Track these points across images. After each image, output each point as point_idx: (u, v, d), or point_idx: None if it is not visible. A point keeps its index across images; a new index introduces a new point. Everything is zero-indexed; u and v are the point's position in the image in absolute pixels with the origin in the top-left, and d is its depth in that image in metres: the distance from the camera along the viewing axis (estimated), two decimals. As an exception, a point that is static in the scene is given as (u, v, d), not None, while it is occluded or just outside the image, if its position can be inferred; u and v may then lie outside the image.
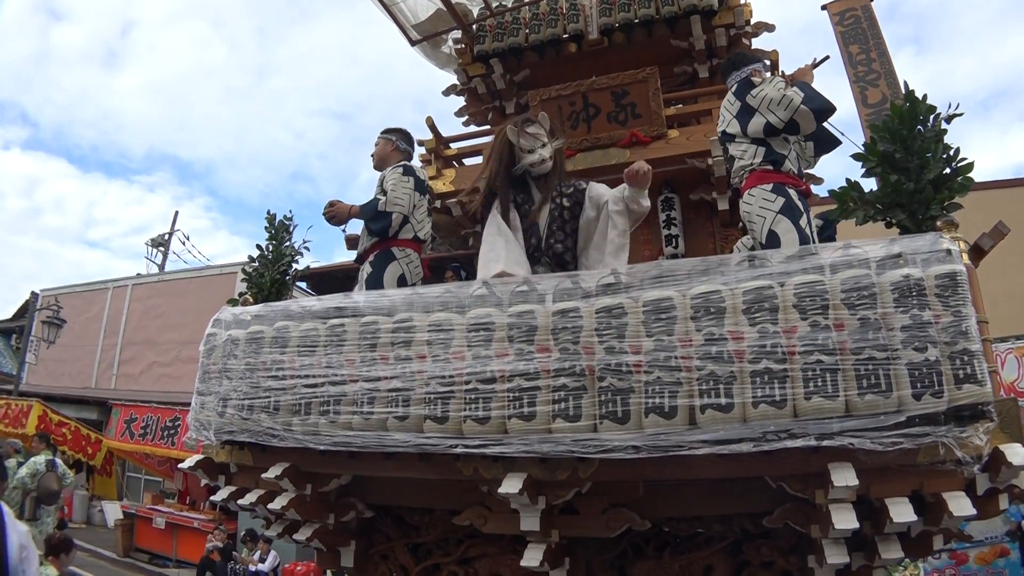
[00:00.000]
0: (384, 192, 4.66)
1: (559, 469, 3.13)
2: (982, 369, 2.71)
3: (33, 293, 20.66)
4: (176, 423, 13.81)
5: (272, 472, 3.58)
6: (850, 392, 2.71)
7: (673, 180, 5.67)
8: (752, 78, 4.19)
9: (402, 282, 4.52)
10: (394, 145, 4.95)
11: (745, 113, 4.09)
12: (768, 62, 5.48)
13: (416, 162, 5.18)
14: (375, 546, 4.12)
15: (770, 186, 3.96)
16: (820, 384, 2.73)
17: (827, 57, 4.58)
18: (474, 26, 6.49)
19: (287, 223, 4.89)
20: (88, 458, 15.71)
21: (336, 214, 4.72)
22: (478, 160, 6.12)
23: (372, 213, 4.62)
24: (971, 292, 2.83)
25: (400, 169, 4.74)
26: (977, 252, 3.23)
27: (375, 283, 4.50)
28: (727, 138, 4.22)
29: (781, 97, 3.97)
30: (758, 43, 6.15)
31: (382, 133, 5.03)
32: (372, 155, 5.00)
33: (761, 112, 4.02)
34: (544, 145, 4.15)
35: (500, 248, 3.97)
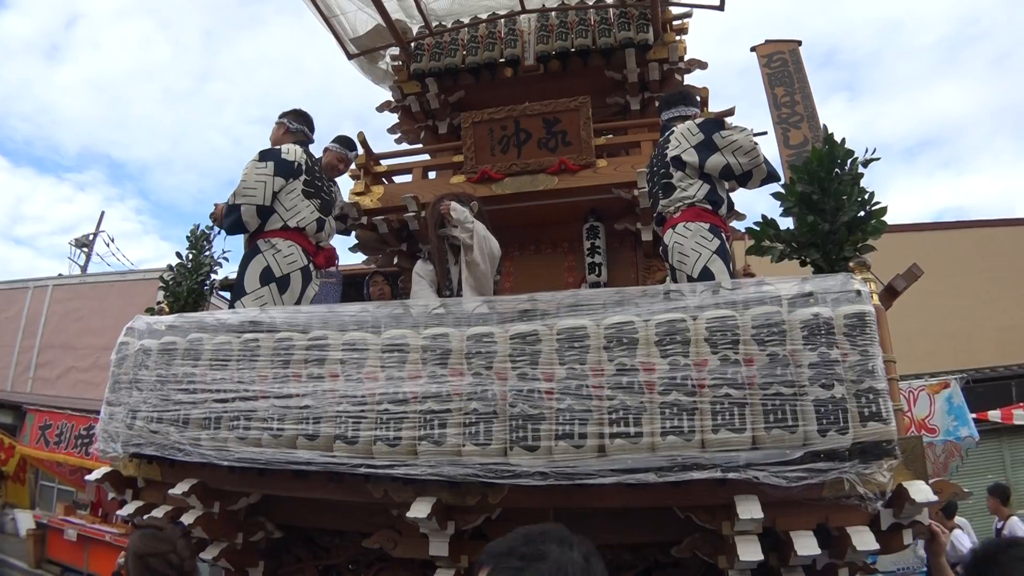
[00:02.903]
0: None
1: (469, 494, 3.11)
2: (887, 407, 2.78)
3: (-49, 290, 19.86)
4: (91, 431, 13.31)
5: (179, 488, 3.48)
6: (757, 426, 2.76)
7: (599, 209, 5.74)
8: (724, 118, 4.32)
9: (267, 274, 4.22)
10: (285, 127, 4.66)
11: (706, 148, 4.12)
12: (699, 99, 5.58)
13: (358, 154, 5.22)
14: (284, 567, 4.02)
15: (708, 225, 4.03)
16: (728, 417, 2.77)
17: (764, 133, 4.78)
18: (412, 44, 6.49)
19: (208, 232, 4.76)
20: (0, 464, 15.16)
21: (216, 216, 4.59)
22: (408, 178, 6.11)
23: (226, 209, 4.35)
24: (879, 332, 2.92)
25: (257, 155, 4.38)
26: (891, 293, 3.33)
27: (239, 281, 4.28)
28: (678, 164, 4.19)
29: (752, 147, 4.08)
30: (690, 79, 6.27)
31: (278, 117, 4.75)
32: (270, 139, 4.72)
33: (724, 153, 4.08)
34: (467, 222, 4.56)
35: (418, 289, 4.79)
